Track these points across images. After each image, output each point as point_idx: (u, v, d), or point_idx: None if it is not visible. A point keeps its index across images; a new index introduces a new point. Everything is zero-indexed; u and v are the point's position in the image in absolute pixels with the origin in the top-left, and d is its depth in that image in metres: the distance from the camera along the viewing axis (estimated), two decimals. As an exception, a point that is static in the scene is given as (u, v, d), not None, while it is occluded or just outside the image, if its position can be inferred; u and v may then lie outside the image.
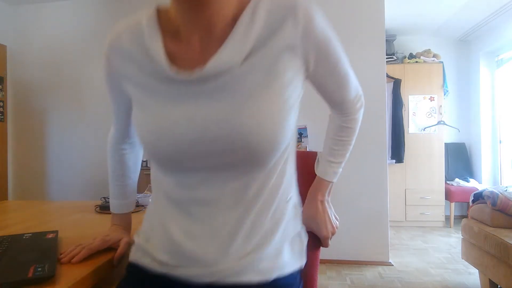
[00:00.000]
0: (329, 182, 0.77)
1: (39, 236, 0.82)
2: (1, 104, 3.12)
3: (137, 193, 0.92)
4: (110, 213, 0.84)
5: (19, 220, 1.12)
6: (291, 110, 0.58)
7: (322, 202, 0.77)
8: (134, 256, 0.68)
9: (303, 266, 0.66)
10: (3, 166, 3.12)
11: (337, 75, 0.66)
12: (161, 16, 0.63)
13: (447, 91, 4.14)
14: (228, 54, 0.55)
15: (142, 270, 0.64)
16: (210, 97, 0.56)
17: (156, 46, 0.59)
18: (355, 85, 0.74)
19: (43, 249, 0.72)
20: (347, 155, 0.78)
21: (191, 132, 0.56)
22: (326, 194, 0.78)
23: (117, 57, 0.64)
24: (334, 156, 0.77)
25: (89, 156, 3.15)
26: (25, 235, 0.83)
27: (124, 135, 0.84)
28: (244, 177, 0.59)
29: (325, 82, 0.67)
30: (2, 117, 3.13)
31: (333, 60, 0.63)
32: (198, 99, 0.56)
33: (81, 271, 0.63)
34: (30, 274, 0.58)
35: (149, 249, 0.64)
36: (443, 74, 4.03)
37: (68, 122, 3.21)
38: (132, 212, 0.87)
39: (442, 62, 4.05)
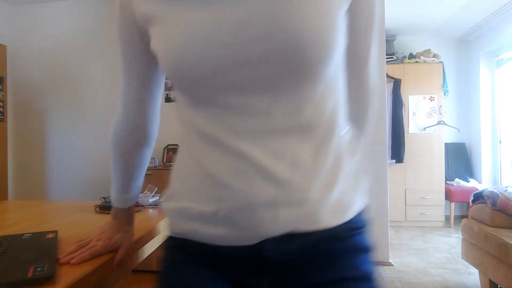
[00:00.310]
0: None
1: (39, 236, 0.82)
2: (1, 104, 3.12)
3: (137, 193, 0.91)
4: (110, 213, 0.84)
5: (19, 220, 1.12)
6: (340, 14, 0.47)
7: None
8: (176, 227, 0.55)
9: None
10: (3, 166, 3.12)
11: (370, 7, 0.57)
12: None
13: (447, 91, 4.14)
14: None
15: (189, 242, 0.52)
16: None
17: None
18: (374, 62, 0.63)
19: (43, 249, 0.72)
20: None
21: (221, 34, 0.44)
22: None
23: None
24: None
25: (89, 156, 3.15)
26: (25, 235, 0.83)
27: (130, 121, 0.72)
28: (294, 96, 0.45)
29: (355, 21, 0.56)
30: (2, 117, 3.13)
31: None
32: None
33: (81, 271, 0.63)
34: (30, 274, 0.58)
35: (193, 209, 0.50)
36: (443, 74, 4.03)
37: (68, 122, 3.21)
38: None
39: (442, 62, 4.05)
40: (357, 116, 0.64)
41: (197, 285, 0.51)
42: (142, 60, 0.59)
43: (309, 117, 0.47)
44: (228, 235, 0.48)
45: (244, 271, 0.50)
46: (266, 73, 0.44)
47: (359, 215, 0.53)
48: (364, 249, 0.53)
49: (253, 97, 0.45)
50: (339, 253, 0.50)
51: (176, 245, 0.56)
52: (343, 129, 0.53)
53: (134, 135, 0.75)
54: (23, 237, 0.81)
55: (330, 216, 0.48)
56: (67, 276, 0.62)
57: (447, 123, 4.06)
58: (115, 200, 0.77)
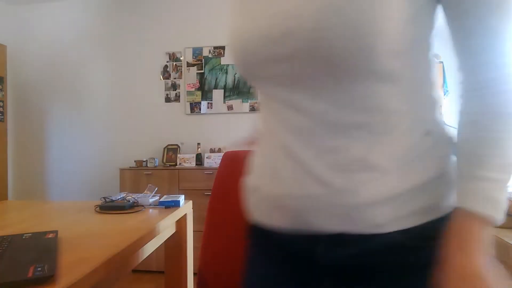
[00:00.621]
0: (487, 218, 0.39)
1: (39, 236, 0.82)
2: (1, 104, 3.12)
3: (137, 193, 0.92)
4: (110, 213, 0.84)
5: (19, 220, 1.12)
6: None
7: (477, 264, 0.38)
8: (260, 215, 0.52)
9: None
10: (3, 166, 3.12)
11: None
12: None
13: (447, 91, 4.14)
14: None
15: (276, 232, 0.49)
16: None
17: None
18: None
19: (43, 249, 0.72)
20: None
21: (258, 32, 0.45)
22: (483, 245, 0.39)
23: None
24: (488, 166, 0.41)
25: (89, 156, 3.15)
26: (25, 235, 0.83)
27: None
28: (335, 93, 0.42)
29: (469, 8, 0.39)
30: (2, 117, 3.13)
31: None
32: None
33: (81, 271, 0.63)
34: (30, 274, 0.58)
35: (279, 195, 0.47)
36: (443, 74, 4.03)
37: (68, 122, 3.21)
38: (131, 212, 0.87)
39: (442, 62, 4.05)
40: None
41: (266, 273, 0.52)
42: None
43: (360, 114, 0.42)
44: (287, 222, 0.47)
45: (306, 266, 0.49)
46: (300, 68, 0.43)
47: (432, 222, 0.43)
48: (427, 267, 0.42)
49: (296, 93, 0.44)
50: (395, 268, 0.42)
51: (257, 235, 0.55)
52: (424, 127, 0.46)
53: None
54: (23, 237, 0.81)
55: (388, 220, 0.42)
56: (67, 276, 0.62)
57: (447, 123, 4.05)
58: None
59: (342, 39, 0.38)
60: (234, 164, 0.87)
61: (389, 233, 0.42)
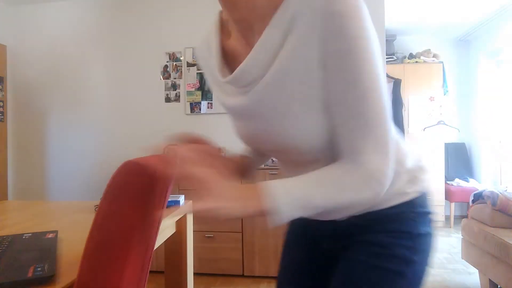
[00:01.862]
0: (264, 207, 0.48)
1: (39, 236, 0.82)
2: (1, 104, 3.12)
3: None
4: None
5: (19, 220, 1.12)
6: (315, 118, 0.53)
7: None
8: None
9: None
10: (3, 166, 3.12)
11: (347, 100, 0.49)
12: (223, 19, 0.66)
13: (447, 91, 4.14)
14: (251, 61, 0.54)
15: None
16: (247, 108, 0.58)
17: (215, 53, 0.62)
18: (384, 137, 0.50)
19: (43, 249, 0.72)
20: (326, 204, 0.50)
21: (251, 138, 0.64)
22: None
23: (201, 59, 0.70)
24: (307, 186, 0.51)
25: (89, 156, 3.15)
26: (25, 235, 0.84)
27: None
28: (299, 160, 0.62)
29: (335, 106, 0.51)
30: (2, 117, 3.13)
31: (346, 76, 0.48)
32: (240, 107, 0.60)
33: (81, 271, 0.63)
34: (30, 274, 0.59)
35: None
36: (443, 74, 4.03)
37: (68, 122, 3.21)
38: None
39: (442, 62, 4.05)
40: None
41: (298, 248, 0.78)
42: None
43: (312, 165, 0.60)
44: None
45: (326, 239, 0.72)
46: (277, 151, 0.63)
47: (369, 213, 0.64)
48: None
49: (281, 155, 0.65)
50: (354, 231, 0.66)
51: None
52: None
53: None
54: (23, 237, 0.81)
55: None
56: (67, 275, 0.62)
57: (447, 123, 4.06)
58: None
59: (297, 147, 0.57)
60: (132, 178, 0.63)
61: (349, 219, 0.65)
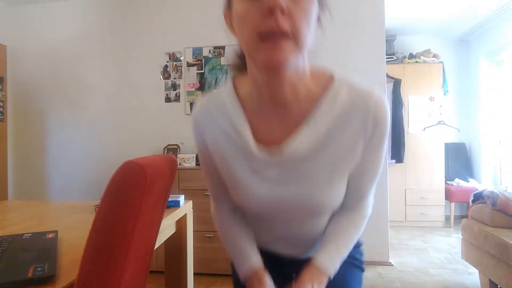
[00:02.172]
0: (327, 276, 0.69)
1: (39, 236, 0.82)
2: (1, 104, 3.12)
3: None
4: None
5: (19, 220, 1.12)
6: (344, 184, 0.69)
7: None
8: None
9: None
10: (3, 166, 3.12)
11: (371, 162, 0.68)
12: (237, 87, 0.70)
13: (447, 91, 4.14)
14: (304, 141, 0.63)
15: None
16: (285, 175, 0.65)
17: (242, 122, 0.66)
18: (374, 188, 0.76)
19: (43, 249, 0.72)
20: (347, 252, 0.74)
21: (274, 204, 0.68)
22: None
23: (207, 126, 0.70)
24: (338, 248, 0.72)
25: (89, 156, 3.15)
26: (25, 235, 0.84)
27: (234, 207, 0.80)
28: (309, 223, 0.74)
29: (362, 172, 0.68)
30: (2, 117, 3.13)
31: (378, 152, 0.67)
32: (276, 175, 0.66)
33: (81, 271, 0.62)
34: (30, 274, 0.59)
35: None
36: (443, 74, 4.03)
37: (68, 122, 3.21)
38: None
39: (442, 62, 4.05)
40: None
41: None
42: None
43: (320, 228, 0.77)
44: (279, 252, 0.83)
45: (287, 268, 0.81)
46: (297, 216, 0.72)
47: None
48: None
49: (288, 223, 0.74)
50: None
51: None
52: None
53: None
54: (23, 237, 0.81)
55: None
56: (67, 275, 0.62)
57: (447, 123, 4.06)
58: (254, 259, 0.77)
59: (324, 209, 0.71)
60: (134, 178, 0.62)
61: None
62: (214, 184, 0.78)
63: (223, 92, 0.70)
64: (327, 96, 0.63)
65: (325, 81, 0.65)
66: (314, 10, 0.56)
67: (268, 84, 0.61)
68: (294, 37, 0.53)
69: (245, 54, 0.61)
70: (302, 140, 0.63)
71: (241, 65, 0.73)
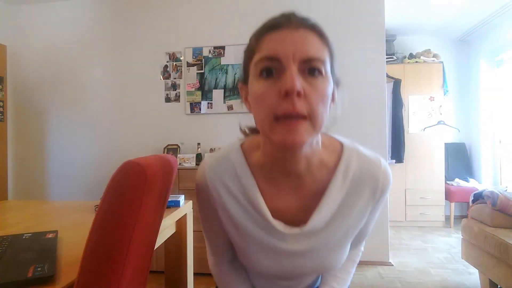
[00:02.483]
0: None
1: (39, 236, 0.82)
2: (1, 104, 3.12)
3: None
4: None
5: (19, 220, 1.12)
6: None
7: None
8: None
9: None
10: (3, 166, 3.12)
11: (373, 218, 0.74)
12: (246, 153, 0.69)
13: (447, 91, 4.14)
14: (323, 215, 0.65)
15: None
16: (301, 247, 0.67)
17: (255, 192, 0.66)
18: None
19: (43, 249, 0.72)
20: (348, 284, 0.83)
21: (285, 270, 0.70)
22: None
23: (216, 189, 0.68)
24: (339, 283, 0.80)
25: (89, 156, 3.15)
26: (25, 235, 0.84)
27: (234, 256, 0.81)
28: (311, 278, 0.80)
29: (364, 227, 0.73)
30: (2, 117, 3.13)
31: (378, 211, 0.72)
32: (292, 247, 0.67)
33: (81, 271, 0.62)
34: (30, 274, 0.59)
35: None
36: (443, 74, 4.03)
37: (68, 122, 3.21)
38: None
39: (442, 62, 4.05)
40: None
41: None
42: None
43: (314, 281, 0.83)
44: None
45: None
46: (305, 277, 0.77)
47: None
48: None
49: (293, 281, 0.78)
50: None
51: None
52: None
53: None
54: (23, 237, 0.81)
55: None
56: (67, 275, 0.62)
57: (447, 123, 4.06)
58: None
59: (333, 268, 0.74)
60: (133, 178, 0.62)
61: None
62: (218, 244, 0.77)
63: (232, 155, 0.69)
64: (340, 167, 0.65)
65: (336, 150, 0.67)
66: (330, 90, 0.57)
67: (283, 159, 0.62)
68: (311, 119, 0.54)
69: (260, 131, 0.61)
70: (320, 215, 0.65)
71: (251, 132, 0.74)
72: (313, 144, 0.61)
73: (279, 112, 0.53)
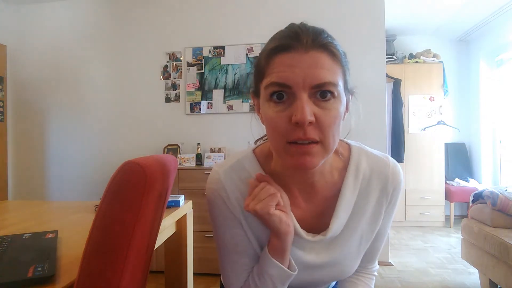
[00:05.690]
0: None
1: (39, 236, 0.82)
2: (1, 104, 3.12)
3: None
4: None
5: (19, 220, 1.12)
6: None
7: None
8: None
9: None
10: (3, 166, 3.12)
11: (388, 220, 0.72)
12: (259, 160, 0.68)
13: (447, 91, 4.14)
14: (341, 218, 0.65)
15: None
16: (325, 256, 0.67)
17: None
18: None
19: (43, 249, 0.72)
20: None
21: (306, 279, 0.69)
22: None
23: (235, 196, 0.66)
24: None
25: (89, 156, 3.15)
26: (25, 235, 0.84)
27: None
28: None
29: (378, 234, 0.72)
30: (2, 117, 3.12)
31: (391, 216, 0.72)
32: (312, 255, 0.67)
33: (81, 271, 0.62)
34: (30, 274, 0.59)
35: None
36: (443, 74, 4.03)
37: (68, 122, 3.21)
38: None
39: (442, 62, 4.05)
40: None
41: None
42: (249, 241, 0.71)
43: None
44: None
45: None
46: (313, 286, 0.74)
47: None
48: None
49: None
50: None
51: None
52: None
53: None
54: (23, 237, 0.81)
55: None
56: (67, 275, 0.62)
57: (447, 123, 4.06)
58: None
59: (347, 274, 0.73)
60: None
61: None
62: (243, 262, 0.69)
63: (245, 163, 0.67)
64: (350, 169, 0.66)
65: (344, 153, 0.67)
66: (342, 109, 0.56)
67: (297, 173, 0.63)
68: (323, 143, 0.54)
69: (274, 151, 0.61)
70: (339, 218, 0.65)
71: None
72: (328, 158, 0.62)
73: (291, 139, 0.53)
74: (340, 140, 0.68)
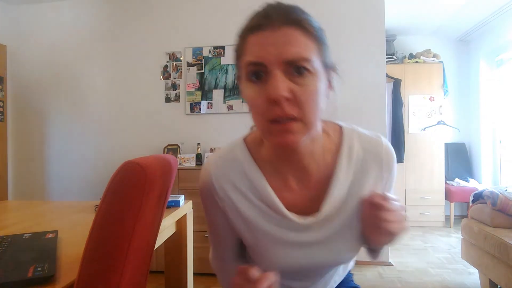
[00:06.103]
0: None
1: (39, 236, 0.82)
2: (1, 104, 3.12)
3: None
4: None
5: (19, 220, 1.12)
6: None
7: None
8: None
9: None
10: (3, 166, 3.12)
11: None
12: (250, 148, 0.68)
13: (447, 91, 4.14)
14: (334, 199, 0.64)
15: None
16: (316, 237, 0.66)
17: (265, 187, 0.65)
18: None
19: (43, 249, 0.72)
20: None
21: (302, 263, 0.68)
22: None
23: (224, 188, 0.66)
24: None
25: (89, 156, 3.15)
26: (25, 235, 0.84)
27: (237, 254, 0.81)
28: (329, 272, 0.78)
29: None
30: (2, 117, 3.12)
31: (390, 192, 0.72)
32: (307, 239, 0.66)
33: (81, 271, 0.62)
34: (30, 274, 0.59)
35: None
36: (443, 74, 4.03)
37: (68, 122, 3.21)
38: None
39: (442, 62, 4.05)
40: None
41: None
42: (234, 233, 0.73)
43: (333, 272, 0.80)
44: None
45: None
46: (321, 270, 0.74)
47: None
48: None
49: (308, 276, 0.75)
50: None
51: None
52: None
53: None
54: (23, 237, 0.81)
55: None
56: (67, 275, 0.62)
57: (447, 123, 4.06)
58: None
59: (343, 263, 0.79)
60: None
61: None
62: (224, 248, 0.77)
63: (236, 152, 0.68)
64: (343, 151, 0.66)
65: (336, 134, 0.67)
66: (321, 85, 0.55)
67: (285, 154, 0.63)
68: (302, 119, 0.54)
69: (259, 132, 0.63)
70: (332, 201, 0.65)
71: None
72: (312, 136, 0.61)
73: (270, 117, 0.53)
74: (331, 122, 0.69)
